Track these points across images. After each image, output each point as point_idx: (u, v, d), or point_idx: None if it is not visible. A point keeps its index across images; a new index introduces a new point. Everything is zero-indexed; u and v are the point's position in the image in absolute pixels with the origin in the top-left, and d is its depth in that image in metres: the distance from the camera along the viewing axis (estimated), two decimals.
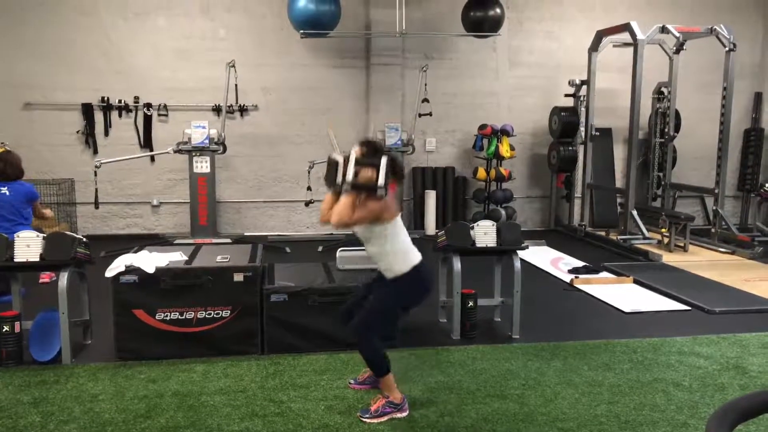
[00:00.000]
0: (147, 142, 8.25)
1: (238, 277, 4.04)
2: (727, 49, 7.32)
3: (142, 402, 3.42)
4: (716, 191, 7.66)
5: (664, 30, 7.28)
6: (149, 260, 4.01)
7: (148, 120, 8.22)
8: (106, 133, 8.18)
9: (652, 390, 3.64)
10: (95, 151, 8.12)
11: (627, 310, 5.20)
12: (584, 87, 8.45)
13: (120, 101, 8.13)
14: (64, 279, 3.90)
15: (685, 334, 4.60)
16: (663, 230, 7.42)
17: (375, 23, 8.34)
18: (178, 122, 8.14)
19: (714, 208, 7.76)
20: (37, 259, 3.88)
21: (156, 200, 8.37)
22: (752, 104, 9.41)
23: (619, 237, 7.58)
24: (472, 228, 4.48)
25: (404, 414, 3.28)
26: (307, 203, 7.78)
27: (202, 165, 7.72)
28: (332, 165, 3.26)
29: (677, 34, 7.21)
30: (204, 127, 7.63)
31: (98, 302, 4.39)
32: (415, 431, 3.14)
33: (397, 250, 3.27)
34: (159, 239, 7.90)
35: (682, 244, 7.37)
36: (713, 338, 4.51)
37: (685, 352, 4.24)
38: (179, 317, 4.00)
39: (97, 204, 7.29)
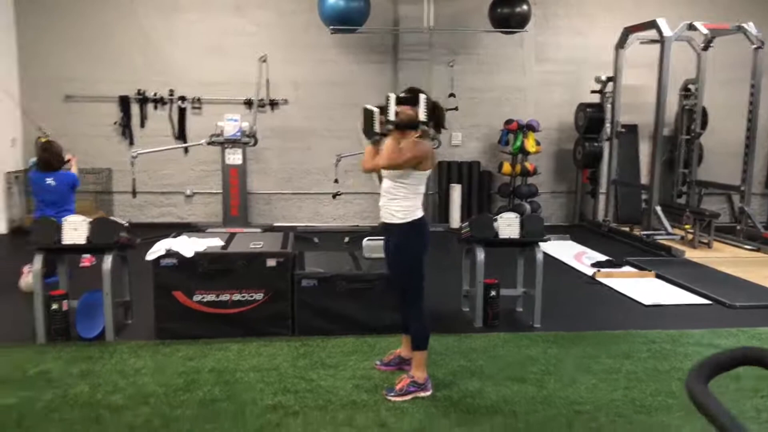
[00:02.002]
0: (181, 134, 8.53)
1: (271, 263, 4.25)
2: (754, 46, 7.34)
3: (181, 377, 3.64)
4: (743, 189, 7.68)
5: (691, 27, 7.32)
6: (188, 245, 4.23)
7: (182, 112, 8.50)
8: (142, 125, 8.48)
9: (669, 378, 3.76)
10: (131, 142, 8.41)
11: (647, 303, 5.31)
12: (610, 83, 8.51)
13: (155, 94, 8.41)
14: (108, 261, 4.14)
15: (704, 326, 4.70)
16: (687, 227, 7.47)
17: (403, 19, 8.49)
18: (211, 115, 8.38)
19: (740, 205, 7.78)
20: (84, 242, 4.12)
21: (189, 190, 8.64)
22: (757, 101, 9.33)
23: (642, 233, 7.64)
24: (496, 220, 4.63)
25: (427, 393, 3.46)
26: (335, 195, 7.97)
27: (234, 157, 7.97)
28: (368, 115, 3.40)
29: (705, 31, 7.25)
30: (236, 120, 7.88)
31: (137, 284, 4.62)
32: (438, 410, 3.31)
33: (409, 199, 3.41)
34: (192, 228, 8.16)
35: (706, 241, 7.41)
36: (732, 331, 4.60)
37: (703, 344, 4.34)
38: (215, 299, 4.22)
39: (134, 193, 7.57)
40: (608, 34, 8.64)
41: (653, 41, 8.04)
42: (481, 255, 4.58)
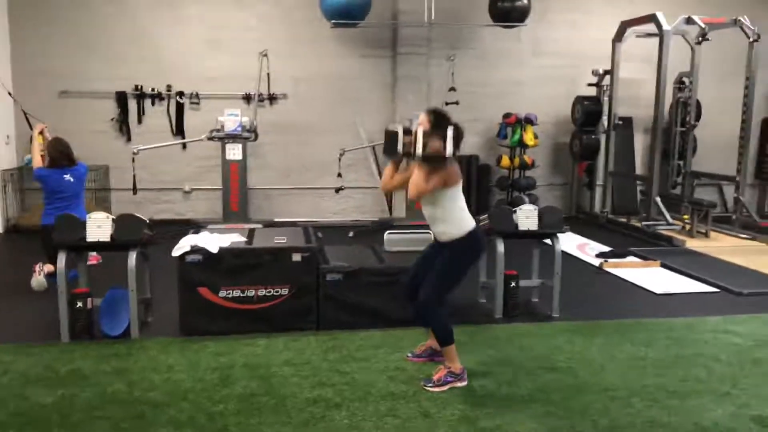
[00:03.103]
0: (179, 130, 8.46)
1: (296, 257, 4.26)
2: (751, 39, 7.48)
3: (215, 373, 3.64)
4: (737, 179, 7.84)
5: (689, 21, 7.44)
6: (212, 241, 4.22)
7: (180, 108, 8.42)
8: (140, 121, 8.39)
9: (694, 364, 3.85)
10: (129, 139, 8.33)
11: (658, 291, 5.42)
12: (607, 76, 8.62)
13: (153, 90, 8.33)
14: (133, 259, 4.11)
15: (716, 313, 4.82)
16: (685, 217, 7.61)
17: (402, 13, 8.50)
18: (209, 110, 8.34)
19: (735, 195, 7.94)
20: (108, 240, 4.08)
21: (187, 186, 8.58)
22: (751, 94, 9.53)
23: (642, 223, 7.76)
24: (515, 212, 4.68)
25: (464, 384, 3.50)
26: (338, 190, 7.99)
27: (234, 152, 7.94)
28: (392, 136, 3.47)
29: (702, 25, 7.37)
30: (237, 115, 7.85)
31: (152, 281, 4.59)
32: (477, 399, 3.36)
33: (455, 215, 3.49)
34: (191, 225, 8.11)
35: (703, 231, 7.54)
36: (744, 318, 4.71)
37: (718, 330, 4.44)
38: (241, 295, 4.21)
39: (135, 190, 7.52)
40: (604, 27, 8.75)
41: (649, 35, 8.18)
42: (501, 247, 4.63)
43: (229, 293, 4.21)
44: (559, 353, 4.01)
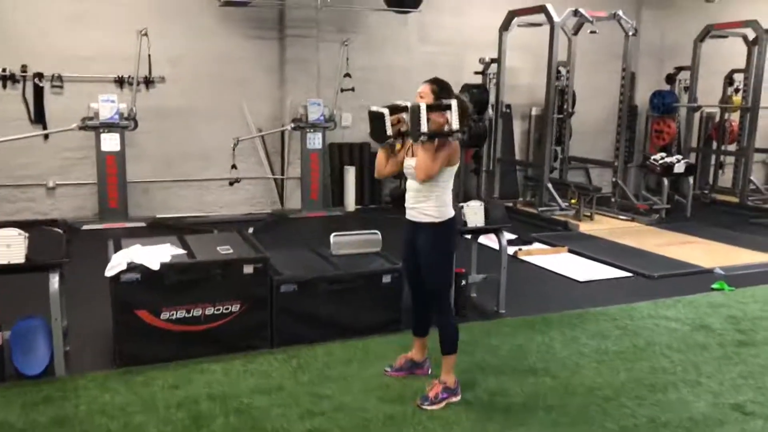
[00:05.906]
0: (39, 118, 7.36)
1: (248, 269, 3.82)
2: (630, 33, 7.98)
3: (180, 411, 3.15)
4: (615, 164, 8.40)
5: (576, 13, 7.75)
6: (149, 255, 3.66)
7: (39, 92, 7.32)
8: None
9: (653, 354, 4.00)
10: None
11: (581, 279, 5.62)
12: (494, 65, 8.79)
13: (4, 70, 7.15)
14: (55, 282, 3.45)
15: (643, 299, 5.05)
16: (573, 201, 8.01)
17: None
18: (75, 95, 7.36)
19: (614, 179, 8.50)
20: (23, 261, 3.38)
21: (51, 182, 7.51)
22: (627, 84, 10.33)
23: (539, 209, 8.03)
24: (462, 208, 4.57)
25: (458, 398, 3.34)
26: (232, 182, 7.44)
27: (111, 142, 7.11)
28: (378, 117, 3.24)
29: (590, 18, 7.72)
30: (113, 101, 7.01)
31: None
32: (478, 413, 3.22)
33: (442, 197, 3.27)
34: (60, 224, 7.13)
35: (588, 214, 7.99)
36: (668, 302, 4.99)
37: (654, 316, 4.68)
38: (186, 315, 3.70)
39: None
40: (486, 16, 8.90)
41: (531, 24, 8.45)
42: None
43: (173, 314, 3.68)
44: (529, 353, 3.97)
